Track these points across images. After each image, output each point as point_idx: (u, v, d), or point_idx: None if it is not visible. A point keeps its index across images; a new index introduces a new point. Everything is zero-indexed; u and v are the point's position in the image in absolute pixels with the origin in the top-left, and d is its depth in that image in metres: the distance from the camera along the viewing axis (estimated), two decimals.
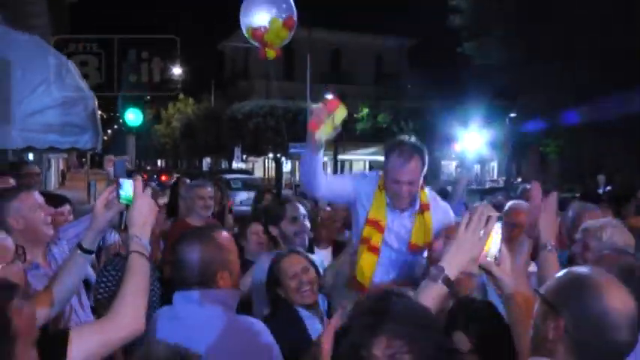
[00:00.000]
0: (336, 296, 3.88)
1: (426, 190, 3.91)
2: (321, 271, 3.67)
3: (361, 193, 3.80)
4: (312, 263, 3.50)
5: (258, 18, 7.54)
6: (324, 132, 3.36)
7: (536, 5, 19.38)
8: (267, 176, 48.09)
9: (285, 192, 31.47)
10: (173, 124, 52.25)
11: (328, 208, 5.35)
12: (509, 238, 3.84)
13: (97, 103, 9.48)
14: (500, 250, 2.19)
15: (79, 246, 2.57)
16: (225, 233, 2.81)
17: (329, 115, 3.32)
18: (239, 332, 2.56)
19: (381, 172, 3.86)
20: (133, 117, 9.96)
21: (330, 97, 3.44)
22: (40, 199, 3.47)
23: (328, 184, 3.71)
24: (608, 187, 16.58)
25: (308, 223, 4.45)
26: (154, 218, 2.54)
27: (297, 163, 45.82)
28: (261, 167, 50.72)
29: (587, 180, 20.53)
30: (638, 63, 17.19)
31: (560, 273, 1.99)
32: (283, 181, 40.54)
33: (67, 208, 4.54)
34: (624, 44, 17.39)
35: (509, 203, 4.52)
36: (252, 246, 4.91)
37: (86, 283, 4.65)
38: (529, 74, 20.96)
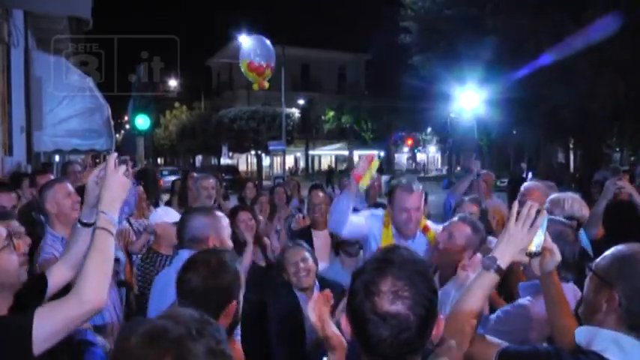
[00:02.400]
0: None
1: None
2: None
3: (372, 229, 3.80)
4: (312, 255, 3.68)
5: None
6: (364, 182, 3.52)
7: (468, 25, 19.71)
8: (249, 170, 48.01)
9: (265, 182, 31.56)
10: (170, 128, 51.72)
11: (321, 194, 5.25)
12: None
13: (110, 111, 9.54)
14: (545, 240, 2.00)
15: (79, 220, 2.33)
16: (220, 213, 3.02)
17: (369, 167, 3.49)
18: None
19: (384, 211, 3.88)
20: (142, 122, 9.88)
21: (367, 154, 3.90)
22: (70, 188, 3.56)
23: (349, 225, 3.69)
24: (530, 173, 17.04)
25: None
26: (125, 195, 2.22)
27: (275, 158, 45.86)
28: (245, 162, 50.55)
29: (513, 167, 20.99)
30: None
31: (610, 250, 1.86)
32: (263, 174, 40.48)
33: None
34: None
35: (525, 185, 4.45)
36: (241, 232, 4.71)
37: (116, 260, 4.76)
38: (464, 81, 21.35)
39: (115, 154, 2.25)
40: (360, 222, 3.81)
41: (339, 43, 47.98)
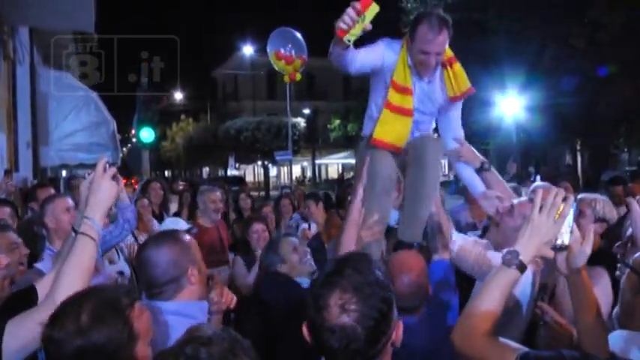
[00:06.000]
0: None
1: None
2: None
3: (391, 61, 3.19)
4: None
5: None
6: (352, 34, 2.79)
7: (472, 29, 19.74)
8: (257, 180, 48.10)
9: (273, 192, 31.62)
10: (176, 141, 51.97)
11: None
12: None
13: (115, 125, 9.59)
14: (572, 232, 1.75)
15: (73, 229, 2.16)
16: (187, 236, 2.30)
17: (360, 16, 2.75)
18: None
19: (403, 41, 3.20)
20: (146, 135, 9.97)
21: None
22: (70, 203, 3.49)
23: (359, 60, 3.09)
24: (537, 176, 16.92)
25: None
26: (112, 200, 2.16)
27: (281, 168, 45.94)
28: (252, 173, 50.65)
29: (520, 171, 20.91)
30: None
31: None
32: (270, 184, 40.57)
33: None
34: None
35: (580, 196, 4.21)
36: (255, 242, 4.74)
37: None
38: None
39: (105, 159, 2.18)
40: (375, 53, 3.19)
41: None
